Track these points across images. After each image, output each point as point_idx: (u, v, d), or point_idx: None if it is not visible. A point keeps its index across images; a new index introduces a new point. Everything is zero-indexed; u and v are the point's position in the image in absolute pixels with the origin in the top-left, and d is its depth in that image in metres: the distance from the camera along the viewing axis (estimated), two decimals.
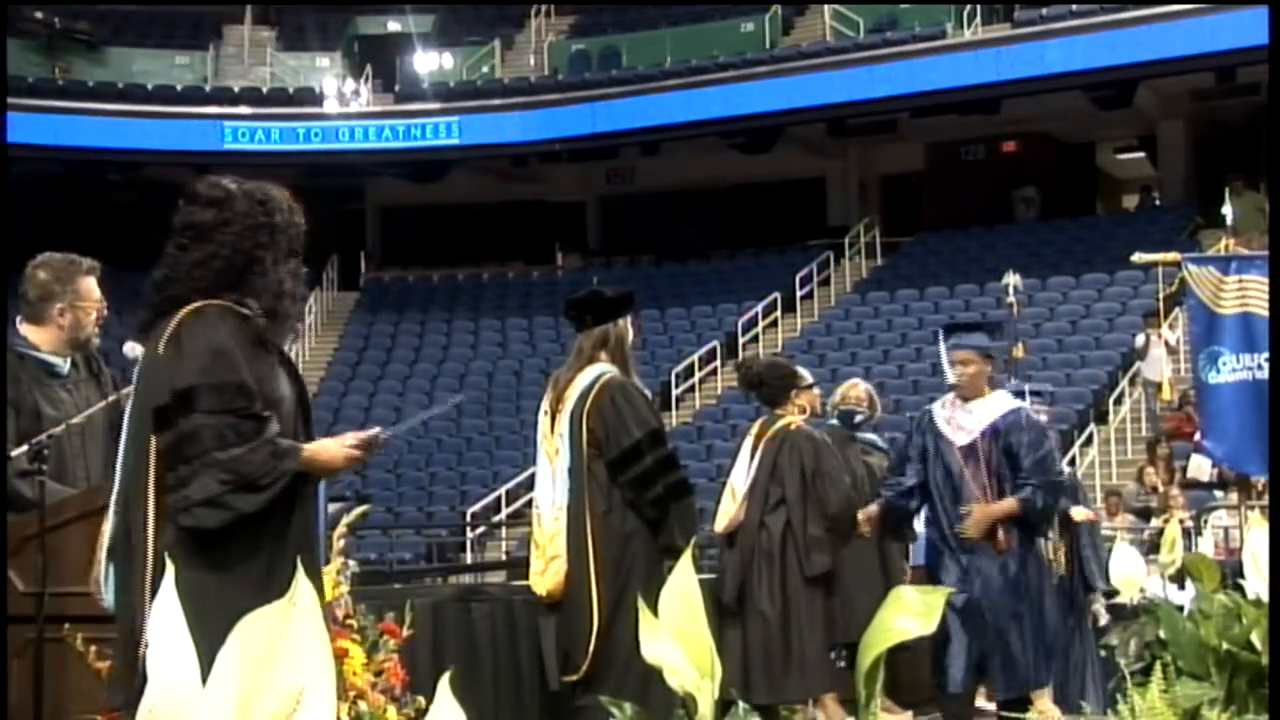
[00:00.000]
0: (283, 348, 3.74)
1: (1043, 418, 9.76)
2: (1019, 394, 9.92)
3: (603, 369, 5.77)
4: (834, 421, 8.85)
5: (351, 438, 3.69)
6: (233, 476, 3.41)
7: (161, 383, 3.52)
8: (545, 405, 5.89)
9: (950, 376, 7.34)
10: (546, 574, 5.67)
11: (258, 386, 3.54)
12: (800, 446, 7.42)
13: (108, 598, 3.64)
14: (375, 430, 3.78)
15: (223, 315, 3.57)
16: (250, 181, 3.79)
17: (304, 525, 3.60)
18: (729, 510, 7.54)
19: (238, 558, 3.43)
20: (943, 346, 7.62)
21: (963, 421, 7.23)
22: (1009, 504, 7.06)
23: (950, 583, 6.90)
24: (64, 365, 5.13)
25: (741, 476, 7.56)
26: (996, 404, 7.30)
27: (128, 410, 3.67)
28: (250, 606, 2.39)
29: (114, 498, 3.62)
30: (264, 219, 3.68)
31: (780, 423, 7.55)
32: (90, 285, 5.17)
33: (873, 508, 7.52)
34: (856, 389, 9.13)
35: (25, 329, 5.13)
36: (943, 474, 7.18)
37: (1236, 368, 8.29)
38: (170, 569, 2.23)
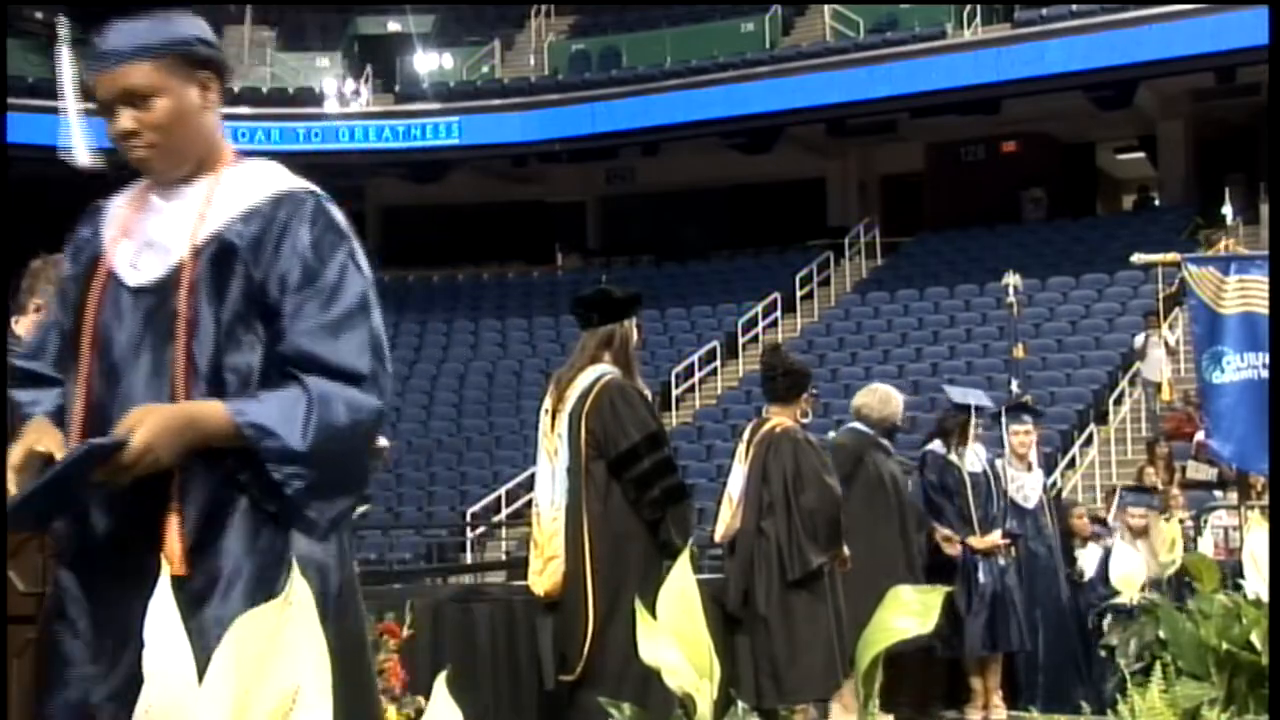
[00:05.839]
0: None
1: (1031, 438, 9.45)
2: (1011, 409, 9.53)
3: (604, 369, 5.76)
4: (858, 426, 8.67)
5: None
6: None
7: None
8: (547, 404, 5.89)
9: None
10: (545, 574, 5.67)
11: None
12: (783, 449, 7.42)
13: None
14: None
15: None
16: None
17: None
18: (726, 517, 7.55)
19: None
20: None
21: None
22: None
23: None
24: None
25: (737, 483, 7.56)
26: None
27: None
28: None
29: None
30: None
31: (768, 426, 7.56)
32: None
33: None
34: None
35: (17, 327, 5.11)
36: None
37: (1241, 367, 8.28)
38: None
